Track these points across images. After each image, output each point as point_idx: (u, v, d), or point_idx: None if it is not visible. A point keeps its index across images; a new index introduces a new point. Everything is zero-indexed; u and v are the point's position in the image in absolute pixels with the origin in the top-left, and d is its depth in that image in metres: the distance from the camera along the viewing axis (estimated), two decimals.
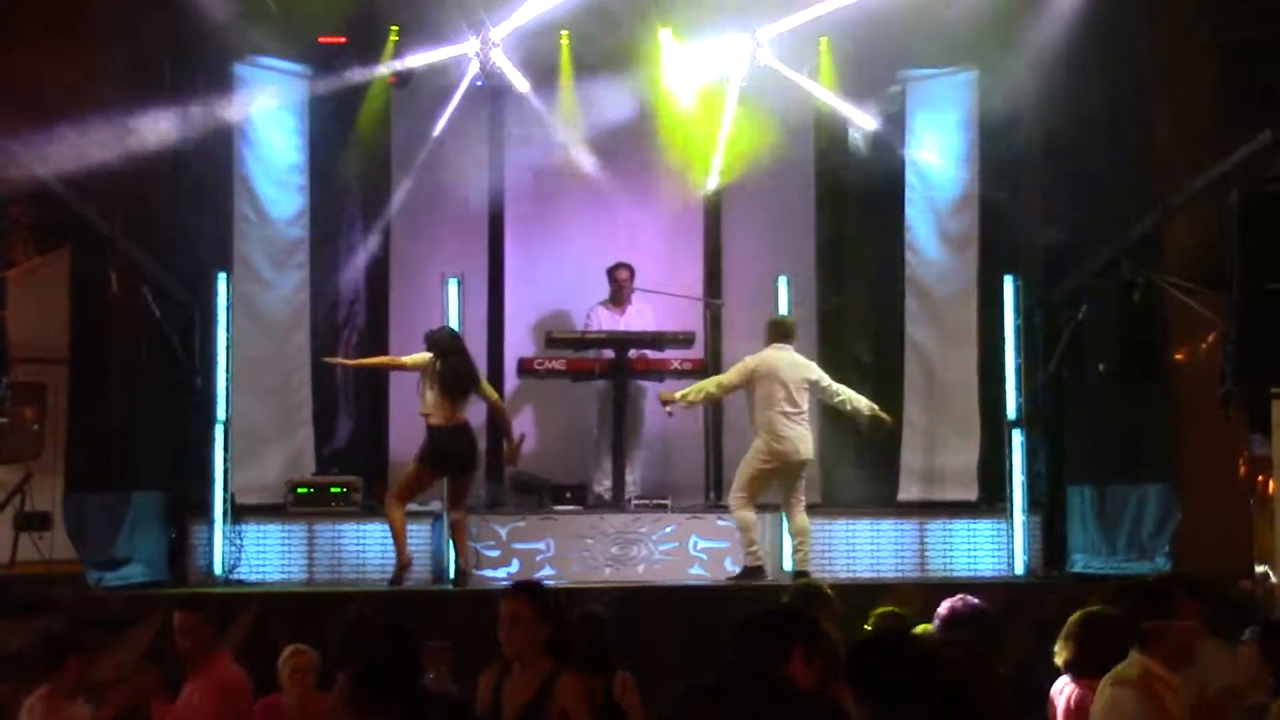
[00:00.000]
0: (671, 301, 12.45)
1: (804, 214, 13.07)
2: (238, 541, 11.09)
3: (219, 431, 11.15)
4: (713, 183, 12.87)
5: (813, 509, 11.38)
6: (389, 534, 10.82)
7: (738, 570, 10.87)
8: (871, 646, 4.25)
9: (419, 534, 11.22)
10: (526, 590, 5.90)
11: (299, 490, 11.45)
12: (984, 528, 11.59)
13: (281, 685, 7.65)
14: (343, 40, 12.35)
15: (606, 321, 12.29)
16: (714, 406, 12.42)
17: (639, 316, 12.35)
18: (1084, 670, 5.84)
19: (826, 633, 4.82)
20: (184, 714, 6.87)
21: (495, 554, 11.15)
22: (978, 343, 12.19)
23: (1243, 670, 6.46)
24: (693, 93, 12.55)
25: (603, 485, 12.05)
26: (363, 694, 5.16)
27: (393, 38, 12.29)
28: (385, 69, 12.29)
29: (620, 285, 12.33)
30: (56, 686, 7.58)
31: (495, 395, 11.01)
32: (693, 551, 11.30)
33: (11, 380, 9.98)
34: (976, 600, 6.64)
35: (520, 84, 12.34)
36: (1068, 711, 5.78)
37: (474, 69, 12.18)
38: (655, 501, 11.62)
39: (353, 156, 12.49)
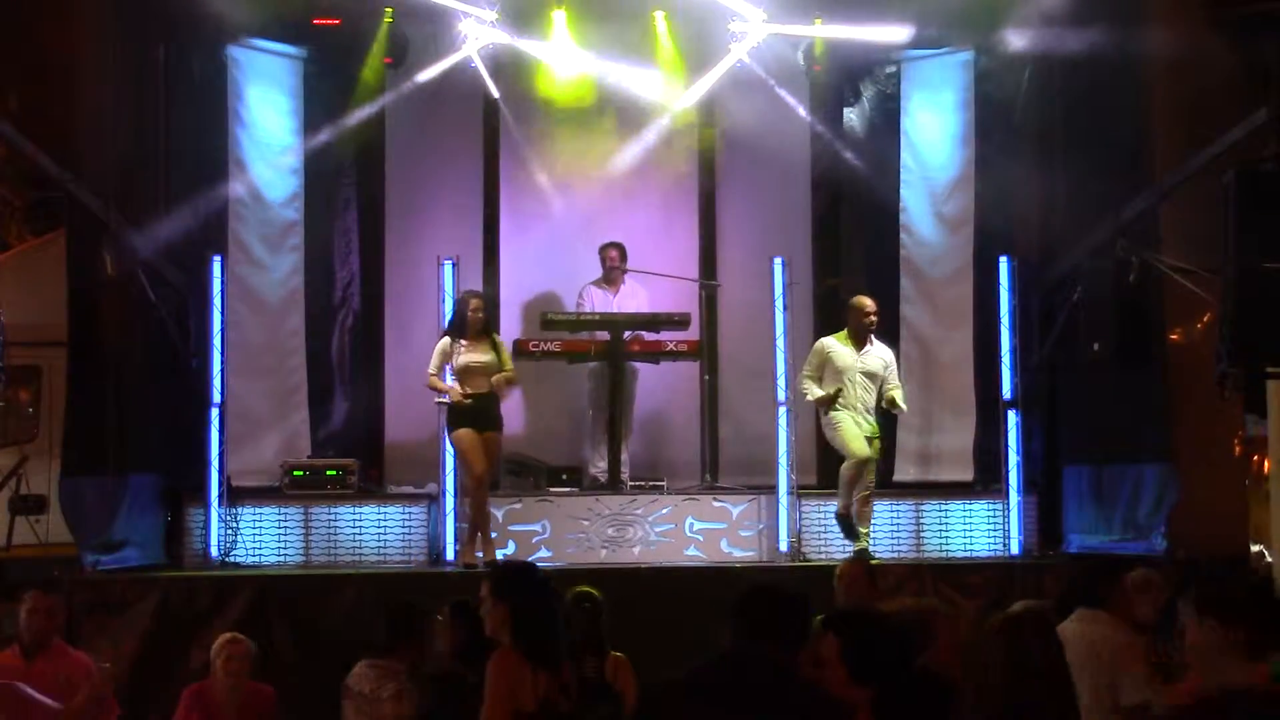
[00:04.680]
0: (666, 282, 12.43)
1: (799, 195, 13.06)
2: (233, 524, 11.07)
3: (214, 414, 11.12)
4: (708, 164, 12.87)
5: (808, 490, 11.40)
6: (384, 516, 10.98)
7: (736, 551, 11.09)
8: (864, 632, 4.24)
9: (417, 516, 11.24)
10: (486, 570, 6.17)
11: (295, 473, 11.43)
12: (980, 508, 11.59)
13: (214, 672, 7.56)
14: (337, 21, 12.30)
15: (599, 301, 12.27)
16: (710, 388, 12.46)
17: (633, 297, 12.32)
18: None
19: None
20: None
21: (491, 536, 11.13)
22: (973, 323, 12.18)
23: None
24: (688, 73, 12.53)
25: (597, 467, 12.04)
26: None
27: (387, 19, 12.25)
28: (379, 50, 12.27)
29: (611, 265, 12.30)
30: None
31: None
32: (689, 533, 11.29)
33: (7, 363, 9.96)
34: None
35: (515, 64, 12.33)
36: None
37: (468, 49, 12.17)
38: (651, 483, 11.61)
39: (347, 138, 12.46)
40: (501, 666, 5.70)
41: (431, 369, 10.65)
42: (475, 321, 10.64)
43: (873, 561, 10.49)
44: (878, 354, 10.85)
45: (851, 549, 10.66)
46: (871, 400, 10.77)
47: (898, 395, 10.81)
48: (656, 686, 4.45)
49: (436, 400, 10.84)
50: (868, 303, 10.95)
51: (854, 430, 10.65)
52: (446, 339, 10.67)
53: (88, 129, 10.74)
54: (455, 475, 11.00)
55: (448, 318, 10.99)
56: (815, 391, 10.74)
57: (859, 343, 10.81)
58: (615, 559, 11.10)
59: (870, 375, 10.75)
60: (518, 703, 5.62)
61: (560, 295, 12.60)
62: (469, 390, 10.53)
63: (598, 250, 12.35)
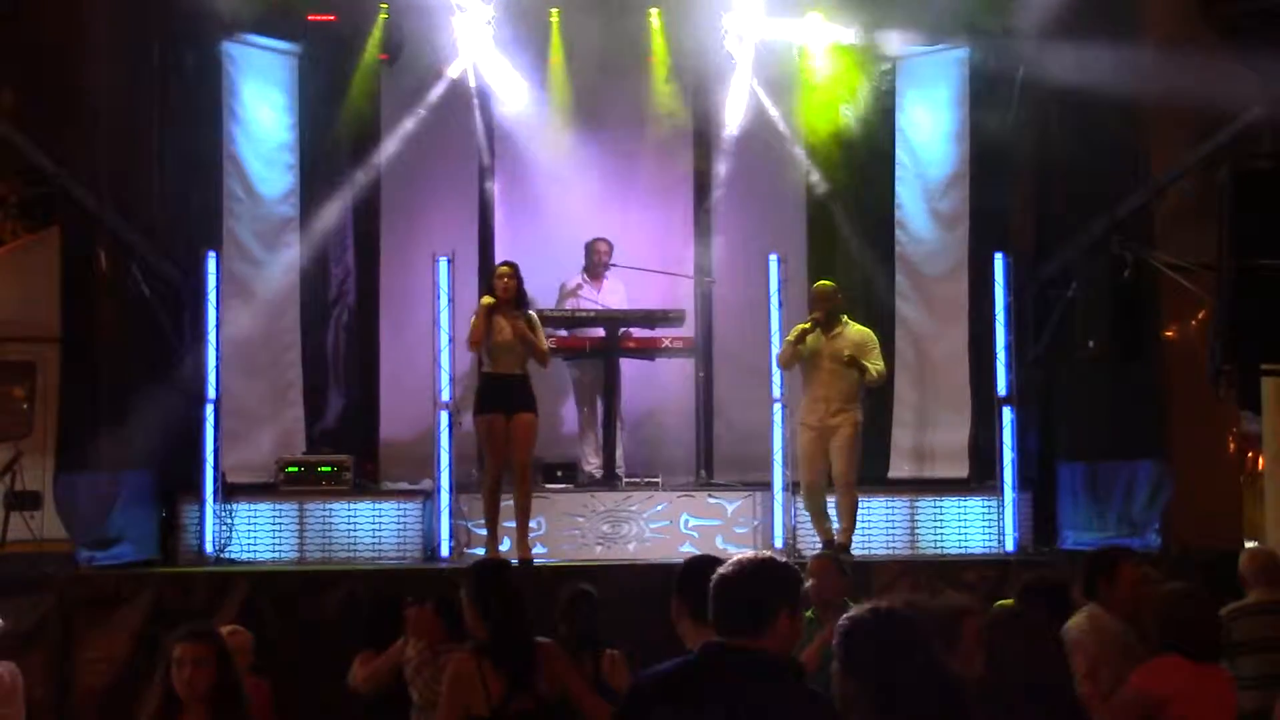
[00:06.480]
0: (651, 279, 12.44)
1: (795, 192, 13.06)
2: (228, 521, 11.08)
3: (209, 411, 11.12)
4: (704, 161, 12.88)
5: None
6: (379, 513, 11.01)
7: (731, 548, 11.00)
8: (859, 624, 4.23)
9: (412, 512, 11.23)
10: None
11: (289, 469, 11.44)
12: (975, 505, 11.59)
13: None
14: (332, 18, 12.31)
15: (585, 290, 12.27)
16: (705, 385, 12.46)
17: (612, 294, 12.31)
18: None
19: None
20: None
21: (486, 532, 11.11)
22: (968, 320, 12.18)
23: None
24: (683, 71, 12.53)
25: (591, 463, 12.04)
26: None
27: (382, 15, 12.25)
28: (375, 46, 12.27)
29: (598, 260, 12.28)
30: None
31: None
32: (684, 529, 11.30)
33: (1, 359, 9.95)
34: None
35: (510, 61, 12.33)
36: None
37: (464, 46, 12.17)
38: (646, 480, 11.62)
39: (342, 134, 12.46)
40: (456, 671, 5.79)
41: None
42: (503, 292, 10.19)
43: (843, 556, 10.49)
44: (849, 336, 10.67)
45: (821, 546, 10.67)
46: (846, 386, 10.58)
47: (870, 367, 10.59)
48: (634, 687, 4.40)
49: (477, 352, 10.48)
50: (819, 288, 10.79)
51: (806, 453, 10.60)
52: (482, 301, 10.33)
53: (82, 125, 10.73)
54: (450, 471, 10.97)
55: (444, 314, 10.99)
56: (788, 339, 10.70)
57: (827, 327, 10.68)
58: (610, 555, 11.11)
59: (839, 358, 10.58)
60: (470, 707, 5.68)
61: (556, 292, 12.58)
62: (499, 370, 10.20)
63: (585, 245, 12.34)
